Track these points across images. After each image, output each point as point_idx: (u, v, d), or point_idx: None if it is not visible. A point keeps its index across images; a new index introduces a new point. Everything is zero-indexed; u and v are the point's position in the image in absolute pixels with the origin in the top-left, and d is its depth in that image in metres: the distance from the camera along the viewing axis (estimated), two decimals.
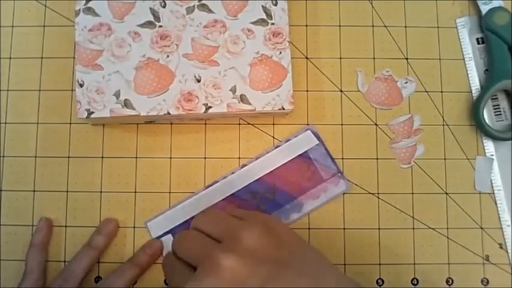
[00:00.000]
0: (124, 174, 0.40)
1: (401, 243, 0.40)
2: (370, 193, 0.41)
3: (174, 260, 0.34)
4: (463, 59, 0.42)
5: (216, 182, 0.40)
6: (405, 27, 0.43)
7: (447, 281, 0.40)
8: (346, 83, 0.42)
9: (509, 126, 0.41)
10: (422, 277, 0.40)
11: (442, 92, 0.42)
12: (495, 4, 0.41)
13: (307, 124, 0.41)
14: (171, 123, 0.41)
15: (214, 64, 0.38)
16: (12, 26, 0.42)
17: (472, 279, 0.40)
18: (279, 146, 0.40)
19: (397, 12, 0.43)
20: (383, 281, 0.40)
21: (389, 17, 0.43)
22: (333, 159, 0.40)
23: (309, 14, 0.42)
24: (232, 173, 0.40)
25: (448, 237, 0.40)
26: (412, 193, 0.41)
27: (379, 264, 0.40)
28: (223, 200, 0.40)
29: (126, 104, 0.37)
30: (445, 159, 0.41)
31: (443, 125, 0.42)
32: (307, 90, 0.42)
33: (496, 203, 0.41)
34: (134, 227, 0.40)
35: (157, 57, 0.37)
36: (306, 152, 0.40)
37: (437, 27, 0.43)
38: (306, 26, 0.42)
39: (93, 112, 0.37)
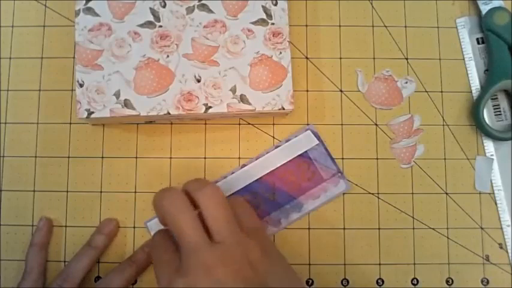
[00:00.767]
0: (124, 174, 0.40)
1: (401, 243, 0.40)
2: (370, 193, 0.41)
3: (162, 251, 0.33)
4: (463, 59, 0.42)
5: (216, 182, 0.40)
6: (405, 27, 0.43)
7: (447, 281, 0.40)
8: (346, 83, 0.42)
9: (509, 126, 0.41)
10: (422, 277, 0.40)
11: (442, 92, 0.42)
12: (495, 4, 0.41)
13: (307, 124, 0.41)
14: (171, 123, 0.41)
15: (214, 64, 0.38)
16: (12, 26, 0.42)
17: (472, 279, 0.40)
18: (279, 146, 0.40)
19: (397, 12, 0.43)
20: (383, 281, 0.40)
21: (389, 17, 0.43)
22: (333, 159, 0.40)
23: (309, 14, 0.42)
24: (232, 173, 0.40)
25: (448, 237, 0.40)
26: (412, 193, 0.41)
27: (379, 264, 0.40)
28: None
29: (126, 104, 0.37)
30: (445, 159, 0.41)
31: (443, 125, 0.42)
32: (307, 90, 0.42)
33: (496, 203, 0.41)
34: (134, 227, 0.40)
35: (157, 57, 0.37)
36: (306, 152, 0.40)
37: (437, 27, 0.43)
38: (306, 26, 0.42)
39: (93, 112, 0.37)
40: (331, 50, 0.42)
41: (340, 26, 0.42)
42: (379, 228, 0.40)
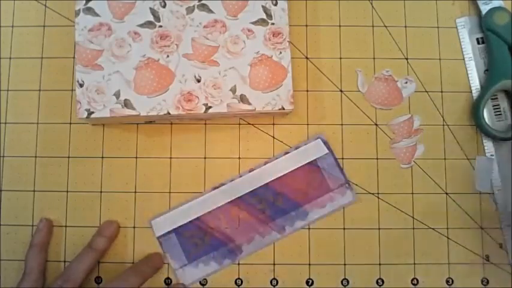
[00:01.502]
0: (124, 174, 0.40)
1: (401, 243, 0.40)
2: (370, 193, 0.41)
3: None
4: (463, 59, 0.42)
5: (223, 184, 0.40)
6: (405, 27, 0.43)
7: (447, 281, 0.40)
8: (346, 83, 0.42)
9: (509, 126, 0.41)
10: (422, 277, 0.40)
11: (442, 92, 0.42)
12: (495, 4, 0.41)
13: (307, 124, 0.41)
14: (171, 123, 0.41)
15: (214, 64, 0.38)
16: (12, 26, 0.42)
17: (472, 279, 0.40)
18: (288, 153, 0.40)
19: (397, 12, 0.43)
20: (383, 281, 0.40)
21: (389, 17, 0.43)
22: (341, 169, 0.40)
23: (309, 14, 0.42)
24: (240, 176, 0.40)
25: (448, 237, 0.40)
26: (412, 193, 0.41)
27: (379, 264, 0.40)
28: (229, 202, 0.40)
29: (126, 104, 0.37)
30: (445, 159, 0.41)
31: (443, 125, 0.42)
32: (307, 90, 0.42)
33: (496, 203, 0.41)
34: (134, 227, 0.40)
35: (157, 57, 0.37)
36: (314, 160, 0.40)
37: (437, 27, 0.43)
38: (306, 26, 0.42)
39: (93, 112, 0.37)
40: (331, 50, 0.42)
41: (340, 26, 0.42)
42: (379, 228, 0.40)
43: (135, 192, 0.40)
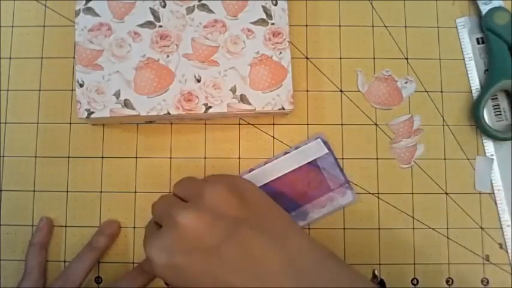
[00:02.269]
0: (124, 174, 0.40)
1: (401, 243, 0.40)
2: (370, 193, 0.41)
3: (150, 224, 0.35)
4: (463, 59, 0.42)
5: None
6: (405, 27, 0.43)
7: (447, 281, 0.40)
8: (346, 83, 0.42)
9: (509, 126, 0.41)
10: (422, 277, 0.40)
11: (442, 92, 0.42)
12: (495, 4, 0.41)
13: (307, 124, 0.41)
14: (171, 123, 0.41)
15: (214, 64, 0.38)
16: (12, 26, 0.42)
17: (472, 279, 0.40)
18: (288, 153, 0.40)
19: (397, 12, 0.43)
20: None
21: (389, 17, 0.43)
22: (341, 169, 0.40)
23: (309, 14, 0.42)
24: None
25: (448, 237, 0.40)
26: (412, 193, 0.41)
27: (379, 264, 0.40)
28: None
29: (126, 104, 0.37)
30: (445, 159, 0.41)
31: (443, 125, 0.42)
32: (307, 90, 0.42)
33: (496, 203, 0.41)
34: (134, 227, 0.40)
35: (157, 57, 0.37)
36: (314, 160, 0.40)
37: (437, 27, 0.43)
38: (306, 26, 0.42)
39: (93, 112, 0.37)
40: (331, 50, 0.42)
41: (340, 26, 0.42)
42: (379, 228, 0.40)
43: (135, 192, 0.40)
